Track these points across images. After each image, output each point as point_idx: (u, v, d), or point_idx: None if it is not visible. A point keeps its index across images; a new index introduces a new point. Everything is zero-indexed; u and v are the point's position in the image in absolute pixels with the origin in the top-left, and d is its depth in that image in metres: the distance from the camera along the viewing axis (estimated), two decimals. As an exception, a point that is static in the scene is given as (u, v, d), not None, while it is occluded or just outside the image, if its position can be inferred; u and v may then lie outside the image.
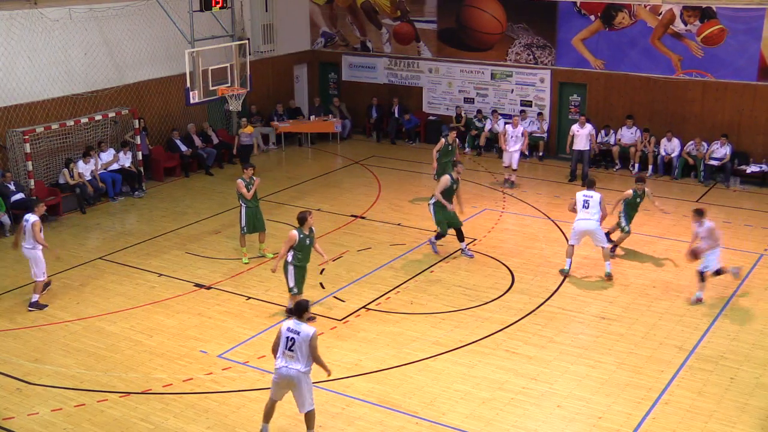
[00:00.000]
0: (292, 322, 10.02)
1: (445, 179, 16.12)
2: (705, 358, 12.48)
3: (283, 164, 23.93)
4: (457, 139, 20.03)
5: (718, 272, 14.36)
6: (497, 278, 15.39)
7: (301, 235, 13.20)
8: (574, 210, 15.45)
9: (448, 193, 16.03)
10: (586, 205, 15.21)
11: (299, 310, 10.08)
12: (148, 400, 11.43)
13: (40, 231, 14.24)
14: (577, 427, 10.81)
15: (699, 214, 14.36)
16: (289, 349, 9.94)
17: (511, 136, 20.99)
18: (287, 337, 9.94)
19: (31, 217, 14.22)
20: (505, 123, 22.62)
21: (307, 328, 9.93)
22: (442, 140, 19.31)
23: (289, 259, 13.26)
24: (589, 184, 15.58)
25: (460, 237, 16.34)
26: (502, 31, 24.10)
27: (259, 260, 16.17)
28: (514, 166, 21.02)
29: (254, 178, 16.02)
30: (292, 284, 13.43)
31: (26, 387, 11.82)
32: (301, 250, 13.29)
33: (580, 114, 22.72)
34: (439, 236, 16.45)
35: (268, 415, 10.41)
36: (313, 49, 27.40)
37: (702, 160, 21.31)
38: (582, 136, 21.29)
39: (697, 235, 14.32)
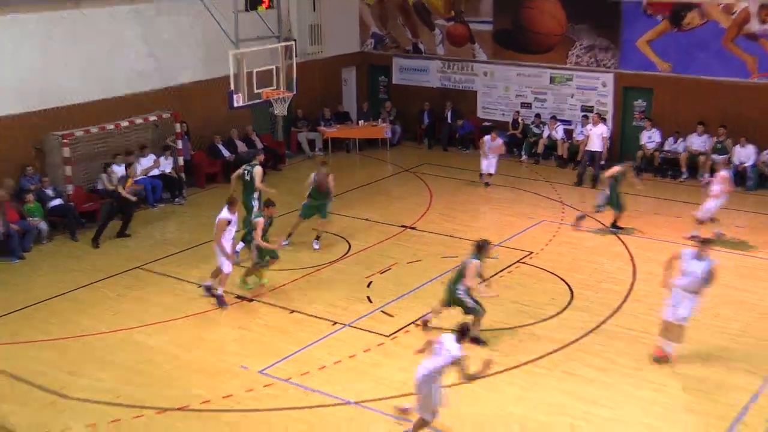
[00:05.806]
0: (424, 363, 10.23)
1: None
2: (785, 385, 11.74)
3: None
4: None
5: None
6: (555, 294, 14.89)
7: None
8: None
9: None
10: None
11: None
12: (186, 417, 11.17)
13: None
14: (644, 457, 10.23)
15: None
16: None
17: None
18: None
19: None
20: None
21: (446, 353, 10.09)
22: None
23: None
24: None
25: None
26: (562, 33, 23.50)
27: (303, 272, 15.88)
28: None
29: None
30: None
31: (61, 401, 11.63)
32: None
33: (646, 117, 21.76)
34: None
35: None
36: (362, 51, 27.01)
37: (780, 169, 20.22)
38: (594, 136, 20.93)
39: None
